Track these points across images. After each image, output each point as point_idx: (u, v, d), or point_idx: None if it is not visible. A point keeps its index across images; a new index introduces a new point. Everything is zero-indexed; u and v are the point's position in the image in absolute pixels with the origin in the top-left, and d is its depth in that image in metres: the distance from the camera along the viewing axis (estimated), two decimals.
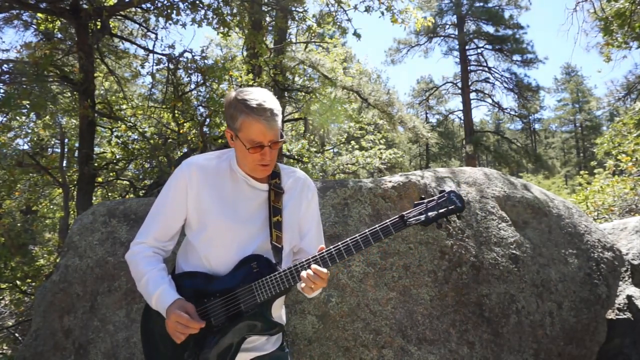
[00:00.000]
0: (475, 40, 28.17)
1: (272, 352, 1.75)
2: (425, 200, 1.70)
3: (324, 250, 1.64)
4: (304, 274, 1.60)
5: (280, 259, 1.70)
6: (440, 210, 1.68)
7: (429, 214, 1.67)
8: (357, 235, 1.65)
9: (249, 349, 1.70)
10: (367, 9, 6.86)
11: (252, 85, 7.89)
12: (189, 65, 6.75)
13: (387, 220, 1.67)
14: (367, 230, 1.66)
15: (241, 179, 1.73)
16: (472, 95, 28.76)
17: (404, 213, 1.69)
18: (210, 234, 1.68)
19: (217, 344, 1.61)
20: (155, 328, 1.72)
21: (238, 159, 1.72)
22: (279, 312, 1.81)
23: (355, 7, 7.05)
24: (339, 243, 1.65)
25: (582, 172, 10.10)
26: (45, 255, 7.04)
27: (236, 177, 1.74)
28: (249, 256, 1.67)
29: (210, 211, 1.68)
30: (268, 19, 9.41)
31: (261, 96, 1.61)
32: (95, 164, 6.36)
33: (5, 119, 6.36)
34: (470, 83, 28.39)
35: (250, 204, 1.73)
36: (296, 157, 11.97)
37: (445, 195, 1.70)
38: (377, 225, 1.66)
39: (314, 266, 1.60)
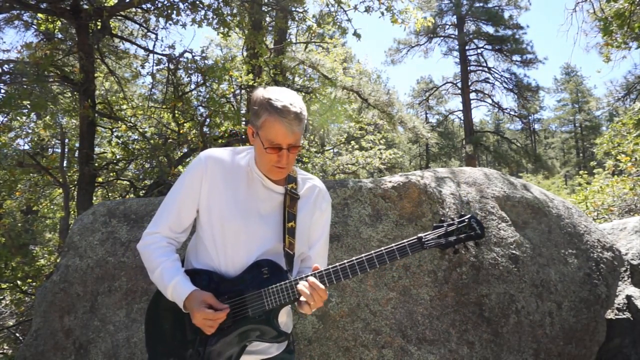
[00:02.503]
0: (475, 41, 28.20)
1: (278, 354, 1.74)
2: (445, 224, 1.68)
3: (337, 264, 1.62)
4: (301, 286, 1.56)
5: (291, 266, 1.68)
6: (460, 236, 1.66)
7: (449, 238, 1.66)
8: (372, 252, 1.63)
9: (253, 352, 1.68)
10: (367, 9, 6.87)
11: (252, 86, 7.90)
12: (189, 65, 6.76)
13: (405, 241, 1.64)
14: (383, 249, 1.63)
15: (257, 178, 1.70)
16: (472, 95, 28.78)
17: (422, 235, 1.66)
18: (220, 231, 1.66)
19: (221, 346, 1.61)
20: (160, 325, 1.72)
21: (256, 157, 1.70)
22: (284, 317, 1.79)
23: (355, 7, 7.06)
24: (354, 258, 1.62)
25: (581, 172, 10.10)
26: (45, 255, 7.04)
27: (252, 177, 1.71)
28: (260, 260, 1.65)
29: (222, 208, 1.66)
30: (268, 19, 9.41)
31: (289, 98, 1.58)
32: (96, 164, 6.36)
33: (5, 119, 6.37)
34: (470, 83, 28.42)
35: (264, 205, 1.70)
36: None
37: (466, 220, 1.67)
38: (393, 245, 1.63)
39: (312, 280, 1.57)
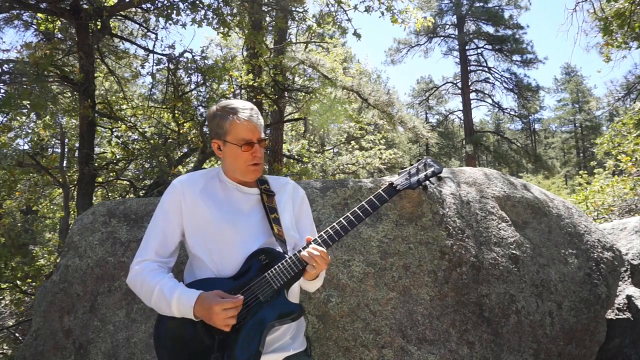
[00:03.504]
0: (475, 41, 28.21)
1: (299, 353, 1.76)
2: (407, 168, 1.92)
3: (328, 228, 1.73)
4: (304, 252, 1.66)
5: (286, 249, 1.74)
6: (422, 174, 1.88)
7: (413, 179, 1.87)
8: (355, 207, 1.78)
9: (276, 350, 1.70)
10: (367, 9, 6.87)
11: (252, 86, 7.93)
12: (189, 65, 6.76)
13: (379, 189, 1.82)
14: (363, 202, 1.78)
15: (232, 187, 1.81)
16: (472, 95, 28.79)
17: (392, 181, 1.86)
18: (212, 237, 1.72)
19: (242, 341, 1.61)
20: (174, 336, 1.68)
21: (228, 167, 1.80)
22: (296, 300, 1.84)
23: (355, 7, 7.06)
24: (341, 218, 1.75)
25: (581, 172, 10.09)
26: (45, 255, 7.05)
27: (226, 187, 1.81)
28: (255, 251, 1.71)
29: (208, 216, 1.73)
30: (268, 19, 9.41)
31: (240, 101, 1.77)
32: (96, 164, 6.36)
33: (5, 119, 6.36)
34: (470, 83, 28.43)
35: (245, 206, 1.79)
36: (296, 157, 11.96)
37: (423, 161, 1.93)
38: (371, 196, 1.80)
39: (312, 245, 1.68)
